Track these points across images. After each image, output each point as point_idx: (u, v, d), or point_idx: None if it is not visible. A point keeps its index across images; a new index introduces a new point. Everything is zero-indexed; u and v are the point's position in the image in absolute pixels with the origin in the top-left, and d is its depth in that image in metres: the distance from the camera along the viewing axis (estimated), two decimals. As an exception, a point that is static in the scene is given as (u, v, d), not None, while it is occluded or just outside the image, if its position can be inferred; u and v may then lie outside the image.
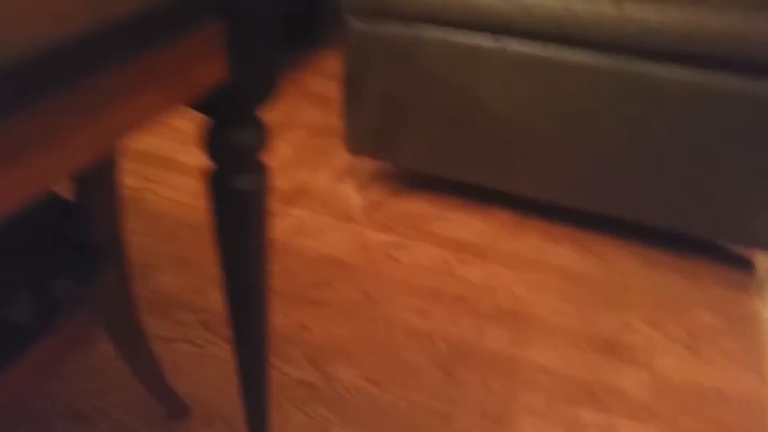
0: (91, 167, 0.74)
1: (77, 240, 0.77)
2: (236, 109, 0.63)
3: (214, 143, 0.64)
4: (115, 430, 1.02)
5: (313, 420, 1.05)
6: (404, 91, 1.33)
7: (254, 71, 0.61)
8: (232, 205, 0.68)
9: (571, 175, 1.29)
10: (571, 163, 1.28)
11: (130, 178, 1.61)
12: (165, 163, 1.68)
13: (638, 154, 1.20)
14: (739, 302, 1.28)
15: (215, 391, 1.09)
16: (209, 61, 0.56)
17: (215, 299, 1.27)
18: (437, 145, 1.38)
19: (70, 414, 1.04)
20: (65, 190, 0.78)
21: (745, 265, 1.34)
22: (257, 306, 0.78)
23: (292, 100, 2.00)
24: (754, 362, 1.16)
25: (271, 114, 1.91)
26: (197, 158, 1.69)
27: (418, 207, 1.54)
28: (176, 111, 0.55)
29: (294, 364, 1.15)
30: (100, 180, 0.75)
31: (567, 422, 1.06)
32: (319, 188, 1.60)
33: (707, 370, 1.15)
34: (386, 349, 1.18)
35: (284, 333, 1.21)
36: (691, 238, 1.38)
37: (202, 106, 0.62)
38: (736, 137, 1.11)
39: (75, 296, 0.75)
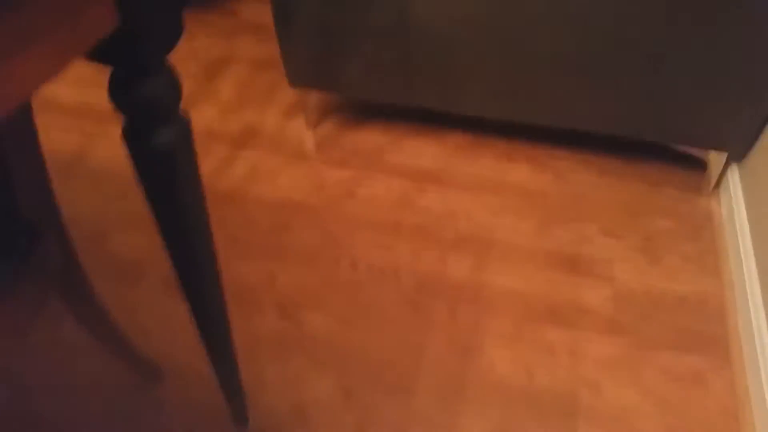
0: (5, 133, 0.69)
1: (8, 214, 0.73)
2: (138, 57, 0.57)
3: (120, 97, 0.58)
4: (90, 401, 1.03)
5: (288, 369, 1.07)
6: (338, 11, 1.25)
7: (147, 12, 0.55)
8: (154, 164, 0.64)
9: (518, 89, 1.27)
10: (516, 76, 1.24)
11: (69, 136, 1.53)
12: (104, 116, 1.59)
13: (584, 60, 1.18)
14: (694, 203, 1.31)
15: (189, 350, 1.10)
16: (97, 4, 0.50)
17: (175, 257, 1.24)
18: (379, 70, 1.33)
19: (43, 388, 1.04)
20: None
21: (699, 166, 1.36)
22: (205, 268, 0.77)
23: (229, 32, 1.89)
24: (710, 263, 1.20)
25: (208, 51, 1.81)
26: (136, 107, 1.61)
27: (371, 138, 1.51)
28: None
29: (264, 314, 1.15)
30: (19, 146, 0.70)
31: (534, 343, 1.09)
32: (269, 127, 1.55)
33: (666, 275, 1.18)
34: (353, 289, 1.18)
35: (251, 284, 1.20)
36: (645, 144, 1.39)
37: (102, 57, 0.56)
38: (682, 36, 1.09)
39: (15, 272, 0.72)
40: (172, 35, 0.59)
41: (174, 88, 0.61)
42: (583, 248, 1.24)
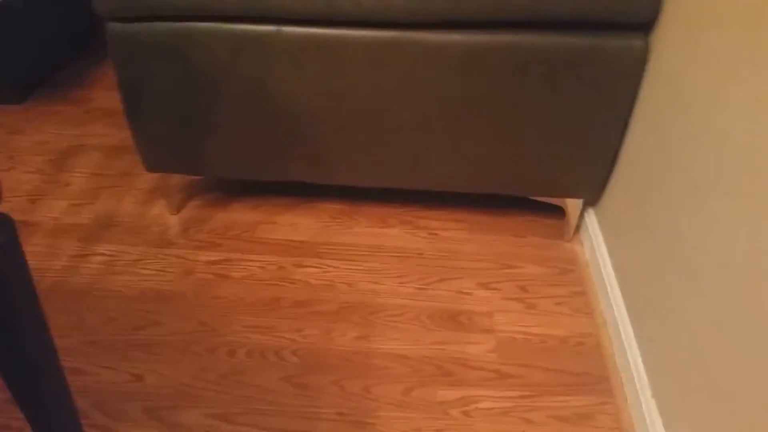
0: None
1: None
2: None
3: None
4: None
5: (164, 478, 0.96)
6: (188, 93, 1.22)
7: None
8: None
9: (381, 156, 1.28)
10: (377, 144, 1.26)
11: None
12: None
13: (440, 124, 1.22)
14: (559, 249, 1.37)
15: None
16: None
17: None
18: (239, 148, 1.30)
19: None
20: None
21: (559, 213, 1.43)
22: (46, 386, 0.67)
23: (78, 121, 1.79)
24: (582, 304, 1.25)
25: (56, 142, 1.70)
26: (-27, 208, 1.45)
27: (241, 216, 1.45)
28: None
29: (131, 421, 1.03)
30: None
31: (426, 406, 1.06)
32: (127, 216, 1.45)
33: (543, 321, 1.21)
34: (231, 377, 1.10)
35: (115, 389, 1.08)
36: (508, 198, 1.45)
37: None
38: (526, 98, 1.16)
39: None
40: None
41: None
42: (462, 304, 1.24)
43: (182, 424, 1.02)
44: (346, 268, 1.32)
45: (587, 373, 1.12)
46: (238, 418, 1.03)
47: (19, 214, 1.45)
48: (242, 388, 1.08)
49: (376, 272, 1.31)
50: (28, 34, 1.84)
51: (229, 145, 1.29)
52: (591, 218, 1.33)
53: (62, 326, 1.18)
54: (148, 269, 1.31)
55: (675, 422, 0.90)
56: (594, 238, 1.29)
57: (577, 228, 1.39)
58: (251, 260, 1.34)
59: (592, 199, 1.32)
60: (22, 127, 1.76)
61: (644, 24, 1.09)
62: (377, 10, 1.08)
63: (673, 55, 1.01)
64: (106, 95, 1.90)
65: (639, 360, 1.04)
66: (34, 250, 1.35)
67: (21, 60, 1.84)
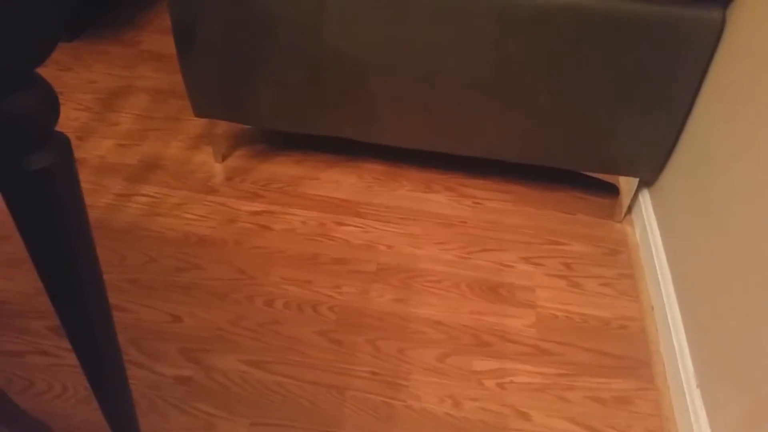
0: None
1: None
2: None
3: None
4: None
5: (196, 417, 0.96)
6: (241, 38, 1.20)
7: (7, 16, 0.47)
8: (26, 193, 0.54)
9: (432, 118, 1.25)
10: (429, 104, 1.23)
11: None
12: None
13: (496, 88, 1.18)
14: (609, 228, 1.33)
15: (78, 403, 0.96)
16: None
17: (64, 301, 1.11)
18: (289, 100, 1.28)
19: None
20: None
21: (611, 192, 1.39)
22: (93, 314, 0.66)
23: (128, 63, 1.78)
24: (629, 287, 1.21)
25: (106, 82, 1.70)
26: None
27: (285, 169, 1.44)
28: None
29: (167, 361, 1.03)
30: None
31: (460, 374, 1.04)
32: (173, 160, 1.45)
33: (587, 300, 1.18)
34: (267, 327, 1.10)
35: (152, 328, 1.08)
36: (558, 171, 1.41)
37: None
38: (589, 64, 1.11)
39: None
40: (43, 43, 0.50)
41: (47, 103, 0.52)
42: (504, 276, 1.21)
43: (216, 367, 1.03)
44: (387, 230, 1.30)
45: (629, 357, 1.09)
46: (271, 367, 1.03)
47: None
48: (277, 338, 1.08)
49: (417, 236, 1.29)
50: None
51: (278, 95, 1.27)
52: (645, 199, 1.29)
53: (104, 262, 1.19)
54: (190, 214, 1.31)
55: (720, 414, 0.87)
56: (647, 220, 1.24)
57: (630, 208, 1.34)
58: (293, 214, 1.32)
59: (648, 179, 1.27)
60: (71, 65, 1.76)
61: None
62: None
63: (751, 32, 0.95)
64: (157, 38, 1.89)
65: (686, 348, 1.00)
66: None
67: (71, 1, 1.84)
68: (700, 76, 1.10)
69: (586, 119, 1.19)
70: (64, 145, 0.55)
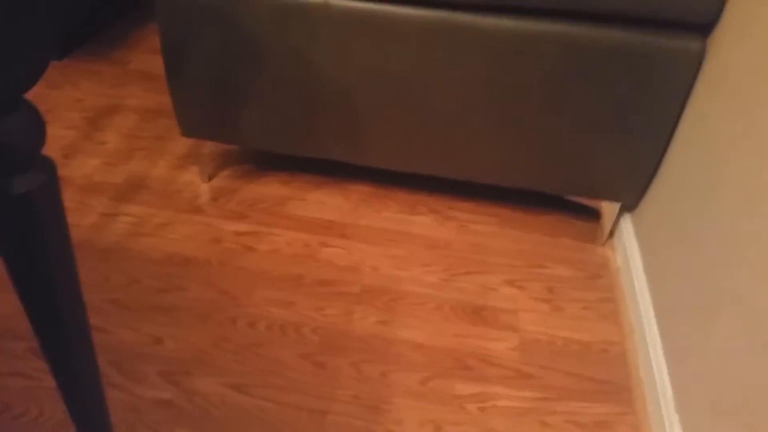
0: None
1: None
2: None
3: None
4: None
5: (175, 442, 0.95)
6: (230, 59, 1.21)
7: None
8: (10, 216, 0.55)
9: (419, 142, 1.26)
10: (416, 129, 1.24)
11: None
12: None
13: (482, 114, 1.19)
14: (591, 253, 1.34)
15: (55, 426, 0.95)
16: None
17: (45, 322, 1.10)
18: (277, 121, 1.29)
19: None
20: None
21: (594, 216, 1.40)
22: (72, 336, 0.66)
23: (116, 82, 1.79)
24: (610, 311, 1.22)
25: (94, 100, 1.70)
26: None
27: (271, 189, 1.44)
28: None
29: (147, 383, 1.03)
30: None
31: (443, 398, 1.04)
32: (158, 179, 1.45)
33: (569, 324, 1.18)
34: (250, 349, 1.09)
35: (133, 350, 1.08)
36: (543, 195, 1.42)
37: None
38: (572, 91, 1.13)
39: None
40: (30, 71, 0.51)
41: (33, 128, 0.53)
42: (487, 299, 1.22)
43: (197, 390, 1.02)
44: (372, 252, 1.30)
45: (609, 381, 1.09)
46: (253, 390, 1.03)
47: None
48: (260, 361, 1.07)
49: (402, 258, 1.29)
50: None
51: (266, 116, 1.28)
52: (626, 224, 1.30)
53: (86, 283, 1.19)
54: (175, 234, 1.31)
55: (699, 440, 0.88)
56: (628, 245, 1.26)
57: (611, 233, 1.35)
58: (278, 234, 1.33)
59: (629, 204, 1.29)
60: (60, 83, 1.76)
61: (703, 25, 1.05)
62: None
63: (731, 61, 0.97)
64: (146, 58, 1.90)
65: (665, 373, 1.01)
66: (65, 205, 1.36)
67: (63, 17, 1.85)
68: (681, 104, 1.12)
69: (569, 145, 1.20)
70: (49, 168, 0.55)
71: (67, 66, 1.84)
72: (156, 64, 1.87)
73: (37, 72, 0.51)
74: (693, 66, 1.07)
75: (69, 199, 1.37)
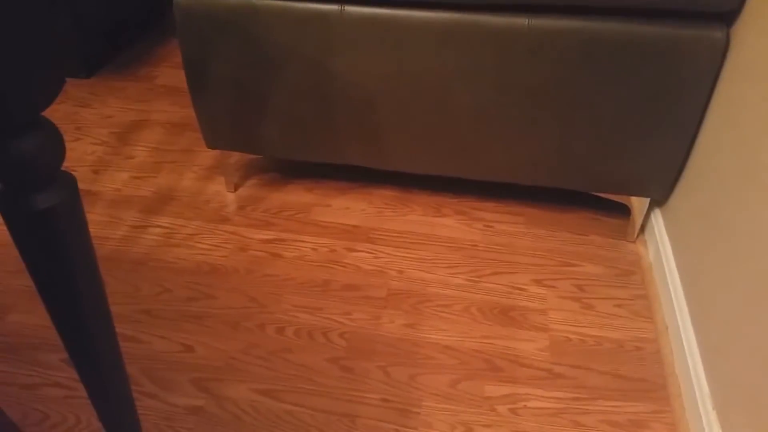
0: None
1: None
2: (7, 115, 0.50)
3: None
4: None
5: (208, 449, 0.96)
6: (250, 71, 1.22)
7: (15, 68, 0.49)
8: (34, 232, 0.56)
9: (441, 144, 1.26)
10: (438, 131, 1.24)
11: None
12: None
13: (503, 113, 1.18)
14: (622, 249, 1.32)
15: (90, 438, 0.97)
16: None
17: (79, 333, 1.12)
18: (300, 129, 1.30)
19: None
20: None
21: (623, 212, 1.38)
22: (100, 347, 0.67)
23: (143, 97, 1.83)
24: (643, 308, 1.19)
25: (121, 116, 1.74)
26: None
27: (296, 197, 1.45)
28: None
29: (179, 391, 1.04)
30: None
31: (473, 400, 1.03)
32: (186, 191, 1.47)
33: (600, 322, 1.16)
34: (279, 355, 1.10)
35: (165, 358, 1.09)
36: (569, 192, 1.40)
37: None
38: (593, 88, 1.12)
39: None
40: (49, 89, 0.52)
41: (53, 146, 0.54)
42: (515, 299, 1.21)
43: (228, 397, 1.03)
44: (398, 255, 1.30)
45: (644, 379, 1.07)
46: (283, 396, 1.03)
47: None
48: (289, 367, 1.08)
49: (428, 261, 1.29)
50: (98, 13, 1.89)
51: (287, 125, 1.29)
52: (657, 219, 1.27)
53: (118, 293, 1.21)
54: (203, 243, 1.32)
55: (739, 437, 0.85)
56: (660, 240, 1.23)
57: (642, 228, 1.33)
58: (304, 241, 1.33)
59: (659, 199, 1.26)
60: (89, 101, 1.81)
61: (726, 13, 1.03)
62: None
63: (755, 50, 0.94)
64: (171, 73, 1.94)
65: (701, 370, 0.98)
66: (95, 219, 1.39)
67: (90, 36, 1.89)
68: (707, 96, 1.09)
69: (594, 141, 1.19)
70: (70, 184, 0.57)
71: (95, 84, 1.88)
72: (181, 78, 1.91)
73: (52, 93, 0.52)
74: (717, 56, 1.05)
75: (99, 213, 1.40)
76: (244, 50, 1.20)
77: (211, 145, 1.37)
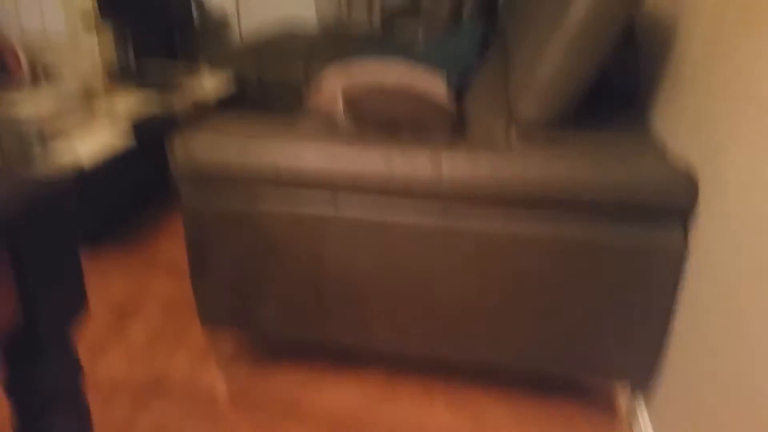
0: None
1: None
2: (32, 344, 0.55)
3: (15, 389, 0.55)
4: None
5: None
6: (250, 260, 1.31)
7: (45, 301, 0.55)
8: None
9: (429, 327, 1.32)
10: (427, 316, 1.30)
11: None
12: None
13: (488, 303, 1.25)
14: (609, 438, 1.33)
15: None
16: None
17: None
18: (293, 310, 1.36)
19: None
20: None
21: (609, 401, 1.40)
22: None
23: (143, 271, 1.89)
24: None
25: (121, 290, 1.79)
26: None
27: (287, 378, 1.47)
28: None
29: None
30: None
31: None
32: (179, 373, 1.49)
33: None
34: None
35: None
36: (558, 378, 1.43)
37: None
38: (570, 279, 1.20)
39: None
40: (70, 315, 0.58)
41: (74, 371, 0.59)
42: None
43: None
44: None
45: None
46: None
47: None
48: None
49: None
50: (100, 190, 2.00)
51: (282, 305, 1.36)
52: (642, 410, 1.30)
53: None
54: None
55: None
56: (644, 429, 1.25)
57: (628, 416, 1.35)
58: (294, 428, 1.33)
59: (640, 384, 1.29)
60: (89, 273, 1.86)
61: (682, 213, 1.14)
62: (426, 193, 1.16)
63: (712, 246, 1.03)
64: (170, 247, 2.02)
65: None
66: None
67: (91, 211, 1.98)
68: (672, 290, 1.17)
69: (572, 329, 1.25)
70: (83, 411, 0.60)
71: (96, 257, 1.95)
72: (178, 252, 1.99)
73: (73, 318, 0.57)
74: (677, 255, 1.14)
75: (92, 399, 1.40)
76: (245, 241, 1.29)
77: (206, 320, 1.42)
